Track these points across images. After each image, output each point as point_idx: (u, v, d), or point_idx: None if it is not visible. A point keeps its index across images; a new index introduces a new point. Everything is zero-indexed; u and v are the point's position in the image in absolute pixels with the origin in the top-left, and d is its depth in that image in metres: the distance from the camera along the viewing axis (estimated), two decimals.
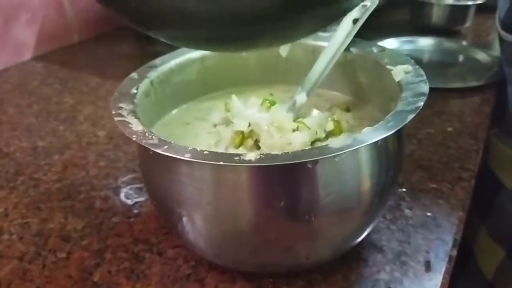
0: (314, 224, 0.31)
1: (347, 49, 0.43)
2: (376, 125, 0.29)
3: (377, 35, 0.83)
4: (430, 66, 0.80)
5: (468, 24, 0.93)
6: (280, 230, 0.31)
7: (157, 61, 0.45)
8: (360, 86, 0.45)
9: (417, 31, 0.90)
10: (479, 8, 0.92)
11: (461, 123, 0.61)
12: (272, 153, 0.28)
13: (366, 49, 0.43)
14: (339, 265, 0.39)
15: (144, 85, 0.40)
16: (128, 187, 0.51)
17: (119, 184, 0.51)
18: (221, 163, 0.27)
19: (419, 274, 0.39)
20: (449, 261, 0.40)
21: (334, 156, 0.28)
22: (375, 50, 0.42)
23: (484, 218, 0.64)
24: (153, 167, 0.34)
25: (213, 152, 0.28)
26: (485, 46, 0.86)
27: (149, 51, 0.90)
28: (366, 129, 0.29)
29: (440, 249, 0.41)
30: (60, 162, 0.55)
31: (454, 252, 0.41)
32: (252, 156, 0.27)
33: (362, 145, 0.27)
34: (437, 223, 0.44)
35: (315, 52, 0.46)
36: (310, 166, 0.28)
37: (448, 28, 0.92)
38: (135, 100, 0.37)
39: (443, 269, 0.39)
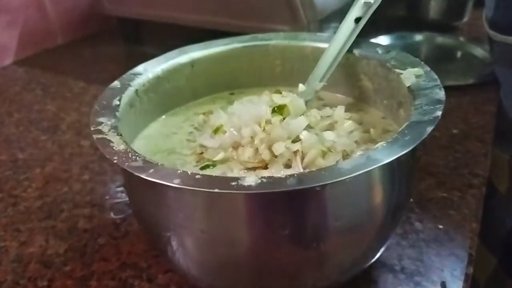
0: (322, 250, 0.28)
1: (349, 50, 0.40)
2: (390, 140, 0.26)
3: (371, 31, 0.80)
4: (426, 63, 0.77)
5: (465, 19, 0.90)
6: (285, 259, 0.28)
7: (141, 67, 0.41)
8: (363, 90, 0.42)
9: (412, 27, 0.87)
10: (477, 2, 0.89)
11: (466, 125, 0.58)
12: (275, 176, 0.24)
13: (370, 50, 0.40)
14: None
15: (127, 95, 0.37)
16: (114, 202, 0.47)
17: (104, 200, 0.47)
18: (216, 190, 0.23)
19: None
20: (466, 280, 0.37)
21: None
22: (380, 51, 0.39)
23: None
24: (138, 189, 0.30)
25: (206, 176, 0.24)
26: (482, 42, 0.83)
27: (136, 52, 0.86)
28: (380, 145, 0.25)
29: (455, 266, 0.38)
30: (41, 177, 0.51)
31: (470, 270, 0.38)
32: (251, 180, 0.23)
33: (377, 165, 0.24)
34: (450, 236, 0.41)
35: (314, 54, 0.43)
36: (318, 189, 0.25)
37: (445, 23, 0.89)
38: (117, 113, 0.33)
39: None
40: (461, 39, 0.84)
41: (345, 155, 0.35)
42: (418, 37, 0.85)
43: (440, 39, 0.84)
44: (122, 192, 0.48)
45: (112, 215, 0.45)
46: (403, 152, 0.24)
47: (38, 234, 0.43)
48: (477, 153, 0.52)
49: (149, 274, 0.38)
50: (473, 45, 0.81)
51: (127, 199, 0.47)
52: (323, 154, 0.34)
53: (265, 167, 0.34)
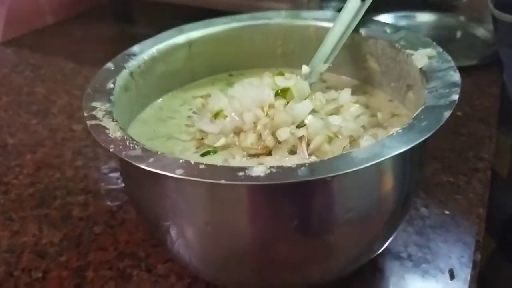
0: (331, 242, 0.26)
1: (355, 30, 0.38)
2: (406, 126, 0.24)
3: (371, 10, 0.77)
4: None
5: None
6: (292, 250, 0.27)
7: (135, 48, 0.39)
8: (369, 71, 0.40)
9: (411, 6, 0.84)
10: None
11: (470, 107, 0.57)
12: (284, 166, 0.22)
13: (377, 29, 0.38)
14: (353, 278, 0.35)
15: (122, 78, 0.35)
16: (110, 188, 0.45)
17: (99, 186, 0.46)
18: (222, 181, 0.22)
19: (443, 285, 0.35)
20: (474, 267, 0.36)
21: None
22: (388, 30, 0.37)
23: None
24: (136, 179, 0.28)
25: (211, 166, 0.23)
26: (484, 21, 0.81)
27: (129, 32, 0.83)
28: (396, 132, 0.24)
29: (463, 253, 0.37)
30: (32, 163, 0.50)
31: (478, 257, 0.37)
32: (260, 171, 0.22)
33: (393, 154, 0.22)
34: (456, 222, 0.40)
35: (317, 34, 0.41)
36: (329, 179, 0.23)
37: (445, 2, 0.87)
38: (111, 97, 0.31)
39: (468, 277, 0.35)
40: (461, 18, 0.82)
41: (352, 141, 0.33)
42: (417, 16, 0.82)
43: (441, 18, 0.82)
44: (117, 178, 0.47)
45: (107, 202, 0.43)
46: (421, 140, 0.23)
47: (31, 222, 0.42)
48: (482, 136, 0.51)
49: (148, 264, 0.37)
50: (474, 25, 0.78)
51: (123, 185, 0.45)
52: (329, 140, 0.33)
53: (269, 154, 0.33)
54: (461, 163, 0.47)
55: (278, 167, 0.22)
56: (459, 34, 0.79)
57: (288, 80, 0.35)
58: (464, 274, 0.36)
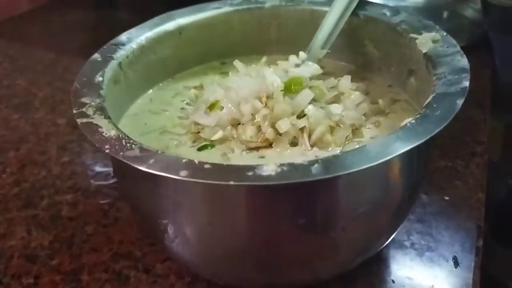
0: (341, 238, 0.25)
1: (353, 13, 0.37)
2: (418, 115, 0.23)
3: None
4: None
5: None
6: (300, 248, 0.25)
7: (123, 37, 0.36)
8: (368, 56, 0.39)
9: None
10: None
11: None
12: (295, 163, 0.21)
13: (376, 12, 0.36)
14: (357, 269, 0.34)
15: (111, 69, 0.33)
16: (100, 185, 0.43)
17: (88, 183, 0.44)
18: (231, 182, 0.20)
19: (448, 272, 0.34)
20: (477, 254, 0.36)
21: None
22: (387, 13, 0.36)
23: None
24: (134, 179, 0.27)
25: (217, 166, 0.21)
26: (471, 1, 0.81)
27: (110, 19, 0.80)
28: (410, 122, 0.23)
29: (465, 239, 0.37)
30: (16, 160, 0.47)
31: (480, 243, 0.37)
32: (270, 170, 0.20)
33: (410, 146, 0.21)
34: (457, 208, 0.40)
35: (313, 18, 0.39)
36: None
37: None
38: (101, 92, 0.29)
39: (473, 264, 0.35)
40: None
41: (354, 130, 0.32)
42: None
43: None
44: (107, 173, 0.45)
45: (98, 200, 0.42)
46: (438, 130, 0.22)
47: (18, 224, 0.40)
48: (478, 119, 0.50)
49: (145, 264, 0.35)
50: (462, 4, 0.77)
51: (113, 181, 0.43)
52: (331, 130, 0.32)
53: (269, 146, 0.31)
54: (458, 148, 0.46)
55: (289, 165, 0.21)
56: (445, 14, 0.78)
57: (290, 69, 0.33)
58: (468, 261, 0.35)
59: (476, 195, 0.41)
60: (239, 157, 0.30)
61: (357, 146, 0.31)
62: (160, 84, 0.40)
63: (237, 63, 0.37)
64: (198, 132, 0.33)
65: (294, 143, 0.31)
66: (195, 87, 0.38)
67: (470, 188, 0.42)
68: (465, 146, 0.46)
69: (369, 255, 0.30)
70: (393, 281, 0.34)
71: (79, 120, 0.26)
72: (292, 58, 0.35)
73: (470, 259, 0.35)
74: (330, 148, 0.31)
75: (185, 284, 0.34)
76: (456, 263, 0.35)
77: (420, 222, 0.38)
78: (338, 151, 0.30)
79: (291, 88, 0.31)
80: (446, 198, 0.41)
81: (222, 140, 0.32)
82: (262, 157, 0.31)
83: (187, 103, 0.37)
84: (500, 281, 0.56)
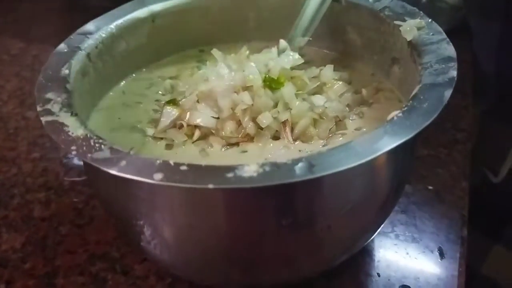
0: (327, 236, 0.24)
1: None
2: (405, 108, 0.22)
3: None
4: None
5: None
6: (285, 248, 0.24)
7: (91, 25, 0.34)
8: (350, 44, 0.37)
9: None
10: None
11: None
12: (278, 161, 0.20)
13: None
14: (343, 263, 0.33)
15: (78, 61, 0.31)
16: (73, 182, 0.41)
17: (61, 180, 0.42)
18: (210, 186, 0.19)
19: (433, 264, 0.34)
20: (462, 244, 0.36)
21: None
22: None
23: None
24: (105, 182, 0.25)
25: (194, 167, 0.20)
26: None
27: (79, 3, 0.76)
28: (397, 116, 0.22)
29: (450, 229, 0.36)
30: None
31: (465, 232, 0.37)
32: (252, 170, 0.19)
33: (400, 142, 0.20)
34: (440, 197, 0.39)
35: (293, 4, 0.38)
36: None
37: None
38: (67, 86, 0.27)
39: (458, 255, 0.35)
40: None
41: (338, 121, 0.31)
42: None
43: None
44: (80, 170, 0.43)
45: (72, 198, 0.40)
46: (426, 124, 0.21)
47: None
48: (459, 106, 0.50)
49: (123, 266, 0.34)
50: None
51: (87, 177, 0.41)
52: (314, 122, 0.31)
53: (250, 140, 0.30)
54: (440, 135, 0.46)
55: (272, 164, 0.20)
56: None
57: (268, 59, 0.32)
58: (453, 251, 0.35)
59: (460, 184, 0.41)
60: (219, 154, 0.29)
61: (341, 138, 0.30)
62: (134, 75, 0.38)
63: (215, 52, 0.35)
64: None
65: (276, 137, 0.30)
66: (170, 78, 0.37)
67: (453, 176, 0.41)
68: (447, 133, 0.46)
69: (355, 251, 0.30)
70: (378, 275, 0.33)
71: (43, 119, 0.24)
72: (274, 50, 0.34)
73: (455, 249, 0.35)
74: (313, 142, 0.30)
75: (166, 285, 0.32)
76: (442, 254, 0.35)
77: (404, 213, 0.38)
78: (322, 144, 0.29)
79: (272, 86, 0.30)
80: (430, 187, 0.40)
81: (202, 137, 0.30)
82: (245, 151, 0.29)
83: (162, 94, 0.36)
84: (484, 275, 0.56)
